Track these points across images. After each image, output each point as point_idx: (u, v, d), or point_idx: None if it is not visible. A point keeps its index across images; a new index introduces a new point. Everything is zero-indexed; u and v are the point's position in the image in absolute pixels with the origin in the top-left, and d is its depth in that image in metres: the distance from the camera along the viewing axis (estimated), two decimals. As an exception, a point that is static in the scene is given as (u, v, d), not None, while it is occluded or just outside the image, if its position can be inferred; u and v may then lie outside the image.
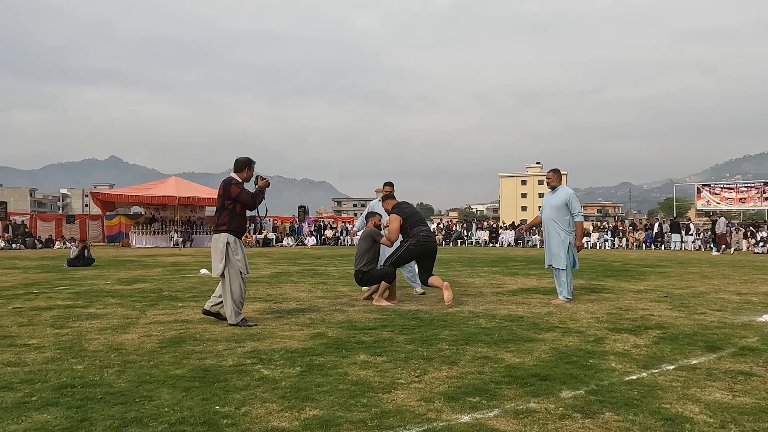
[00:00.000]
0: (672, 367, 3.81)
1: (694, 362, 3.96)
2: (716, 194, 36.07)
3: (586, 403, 3.05)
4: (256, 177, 5.67)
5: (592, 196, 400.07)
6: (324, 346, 4.39)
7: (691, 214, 54.10)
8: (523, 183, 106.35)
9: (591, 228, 32.13)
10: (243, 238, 6.28)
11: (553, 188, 7.22)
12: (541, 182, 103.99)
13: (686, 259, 17.12)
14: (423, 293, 7.71)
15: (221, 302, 5.45)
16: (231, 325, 5.25)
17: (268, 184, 5.71)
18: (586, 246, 27.99)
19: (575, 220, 7.00)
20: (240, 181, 5.54)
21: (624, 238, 28.01)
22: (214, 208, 6.51)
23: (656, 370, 3.74)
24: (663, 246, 26.67)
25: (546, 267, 7.31)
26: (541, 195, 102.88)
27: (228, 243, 5.39)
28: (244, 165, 5.60)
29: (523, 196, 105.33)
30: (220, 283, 5.44)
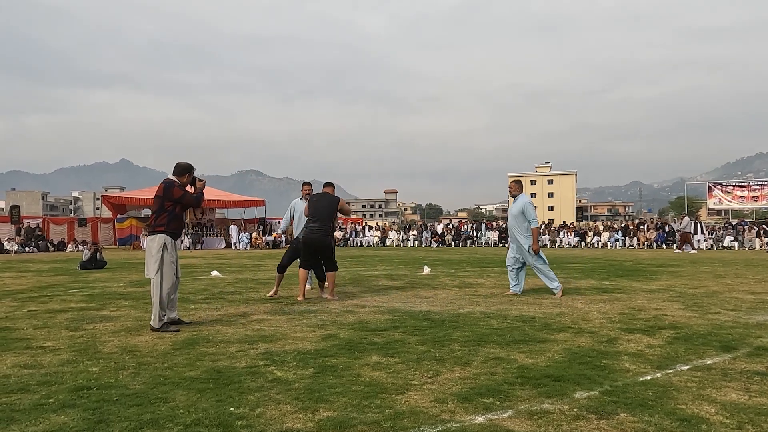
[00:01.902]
0: (686, 368, 3.79)
1: (708, 362, 3.93)
2: (728, 193, 35.77)
3: (601, 404, 3.04)
4: (194, 179, 5.68)
5: (602, 196, 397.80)
6: (336, 348, 4.40)
7: (703, 212, 53.67)
8: (533, 183, 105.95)
9: (601, 227, 31.96)
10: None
11: (514, 197, 7.87)
12: (550, 182, 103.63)
13: (698, 259, 16.98)
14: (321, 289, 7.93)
15: (171, 306, 5.38)
16: (153, 329, 5.12)
17: (204, 186, 5.76)
18: (596, 245, 27.85)
19: (531, 226, 7.63)
20: (180, 184, 5.55)
21: (635, 238, 27.83)
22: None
23: (671, 371, 3.71)
24: (675, 245, 26.47)
25: (506, 266, 8.07)
26: (550, 195, 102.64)
27: (165, 245, 5.35)
28: (185, 170, 5.63)
29: (533, 195, 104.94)
30: (154, 290, 5.28)
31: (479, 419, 2.83)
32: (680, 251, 22.26)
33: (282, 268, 7.76)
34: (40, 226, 29.19)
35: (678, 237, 23.72)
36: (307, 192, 8.54)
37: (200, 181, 5.74)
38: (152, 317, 5.24)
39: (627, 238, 28.04)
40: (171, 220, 5.45)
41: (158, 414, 2.90)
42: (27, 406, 3.04)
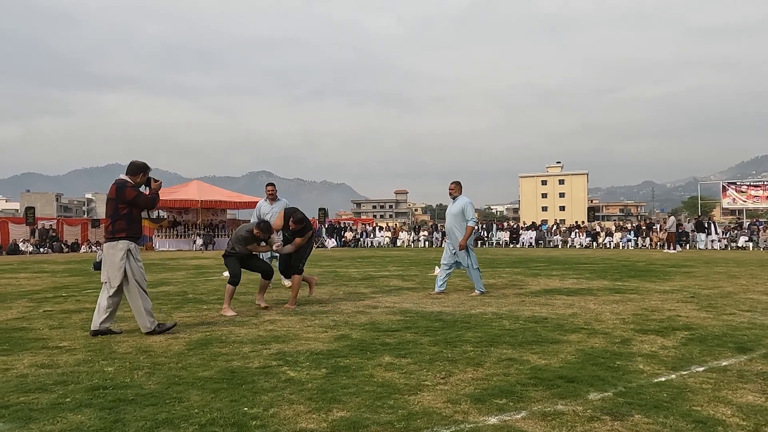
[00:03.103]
0: (701, 369, 3.76)
1: (724, 364, 3.90)
2: (742, 192, 35.37)
3: (615, 406, 3.02)
4: (149, 179, 5.40)
5: (614, 196, 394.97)
6: (348, 348, 4.41)
7: (716, 212, 53.13)
8: (544, 183, 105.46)
9: (613, 228, 31.74)
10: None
11: (454, 198, 8.08)
12: (561, 182, 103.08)
13: (712, 259, 16.82)
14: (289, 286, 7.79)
15: (108, 316, 5.08)
16: (147, 333, 4.99)
17: (161, 186, 5.51)
18: (609, 246, 27.66)
19: (468, 224, 7.88)
20: (134, 184, 5.26)
21: (647, 238, 27.60)
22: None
23: (685, 372, 3.68)
24: (688, 245, 26.24)
25: (441, 263, 8.16)
26: (561, 195, 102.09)
27: (129, 251, 5.10)
28: (139, 169, 5.31)
29: (544, 196, 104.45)
30: (104, 295, 5.07)
31: (493, 420, 2.83)
32: (666, 251, 22.52)
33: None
34: (54, 227, 29.51)
35: (667, 237, 24.06)
36: (271, 192, 8.50)
37: (155, 181, 5.45)
38: (143, 323, 5.03)
39: (639, 238, 27.82)
40: (131, 224, 5.17)
41: (173, 414, 2.93)
42: (44, 405, 3.08)
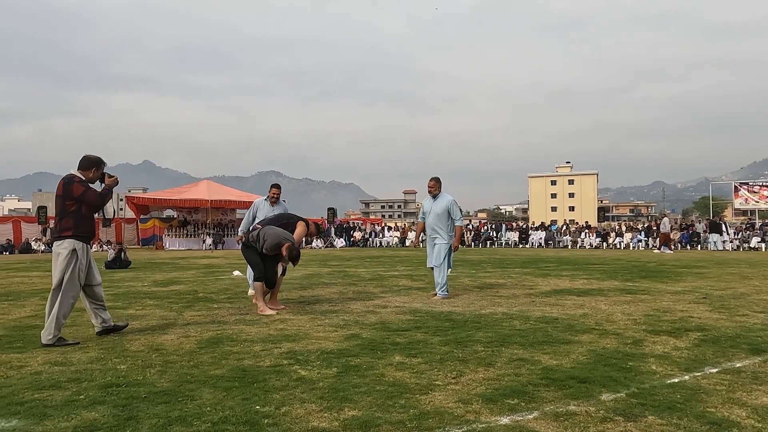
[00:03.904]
0: (715, 370, 3.73)
1: (738, 365, 3.86)
2: (755, 192, 35.03)
3: (628, 406, 3.00)
4: (103, 175, 5.06)
5: (624, 196, 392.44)
6: (359, 347, 4.41)
7: (728, 213, 52.62)
8: (553, 183, 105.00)
9: (624, 228, 31.54)
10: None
11: (434, 196, 7.83)
12: (571, 182, 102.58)
13: (724, 260, 16.67)
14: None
15: (99, 311, 4.95)
16: (44, 345, 4.55)
17: (117, 182, 5.14)
18: (619, 246, 27.49)
19: (456, 224, 7.73)
20: (84, 179, 4.91)
21: (658, 239, 27.39)
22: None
23: (699, 373, 3.65)
24: (699, 246, 26.03)
25: (428, 267, 7.94)
26: (571, 195, 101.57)
27: (74, 250, 4.77)
28: (92, 164, 4.98)
29: (553, 196, 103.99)
30: (50, 297, 4.77)
31: (504, 420, 2.82)
32: (659, 251, 22.65)
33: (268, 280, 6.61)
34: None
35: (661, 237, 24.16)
36: (275, 195, 8.07)
37: (110, 177, 5.08)
38: (45, 330, 4.62)
39: (650, 238, 27.63)
40: (79, 222, 4.82)
41: (186, 411, 2.94)
42: (59, 403, 3.11)
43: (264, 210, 8.00)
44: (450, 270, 7.89)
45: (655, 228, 29.07)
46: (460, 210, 7.86)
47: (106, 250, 18.81)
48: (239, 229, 8.36)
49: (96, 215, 5.11)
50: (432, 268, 7.76)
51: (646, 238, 27.69)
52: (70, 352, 4.36)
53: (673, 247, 23.63)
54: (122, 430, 2.70)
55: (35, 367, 3.88)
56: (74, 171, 4.94)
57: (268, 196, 8.12)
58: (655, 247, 26.36)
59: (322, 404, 3.06)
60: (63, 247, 4.77)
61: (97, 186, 5.03)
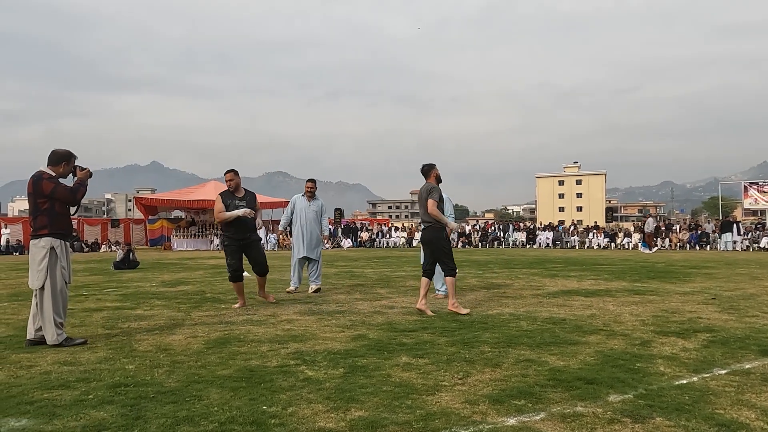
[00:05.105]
0: (724, 372, 3.70)
1: (747, 366, 3.83)
2: (765, 192, 34.77)
3: (636, 408, 2.99)
4: (75, 167, 4.87)
5: (632, 196, 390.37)
6: (366, 348, 4.42)
7: (737, 213, 52.25)
8: (561, 183, 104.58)
9: (632, 229, 31.37)
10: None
11: None
12: (579, 182, 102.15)
13: (734, 260, 16.55)
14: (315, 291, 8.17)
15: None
16: (52, 345, 4.52)
17: (90, 175, 4.92)
18: (627, 247, 27.33)
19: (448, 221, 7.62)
20: (53, 175, 4.74)
21: (667, 239, 27.24)
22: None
23: (707, 375, 3.63)
24: (708, 246, 25.85)
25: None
26: (579, 195, 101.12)
27: (52, 248, 4.64)
28: (61, 158, 4.78)
29: (561, 196, 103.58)
30: (34, 301, 4.68)
31: (511, 421, 2.81)
32: (650, 251, 23.02)
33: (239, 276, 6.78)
34: (75, 227, 29.97)
35: (645, 237, 24.61)
36: (310, 189, 8.40)
37: (82, 170, 4.87)
38: (49, 335, 4.55)
39: (659, 239, 27.46)
40: (54, 220, 4.66)
41: (193, 411, 2.96)
42: (68, 402, 3.13)
43: (301, 204, 8.32)
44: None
45: (663, 228, 28.91)
46: (452, 205, 7.73)
47: (115, 251, 18.94)
48: (279, 226, 8.88)
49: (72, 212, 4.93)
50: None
51: (654, 239, 27.51)
52: (78, 352, 4.39)
53: (654, 248, 24.06)
54: (130, 430, 2.71)
55: (45, 367, 3.91)
56: (44, 167, 4.77)
57: (304, 192, 8.42)
58: (665, 247, 26.24)
59: (328, 404, 3.07)
60: (40, 246, 4.64)
61: (70, 181, 4.85)
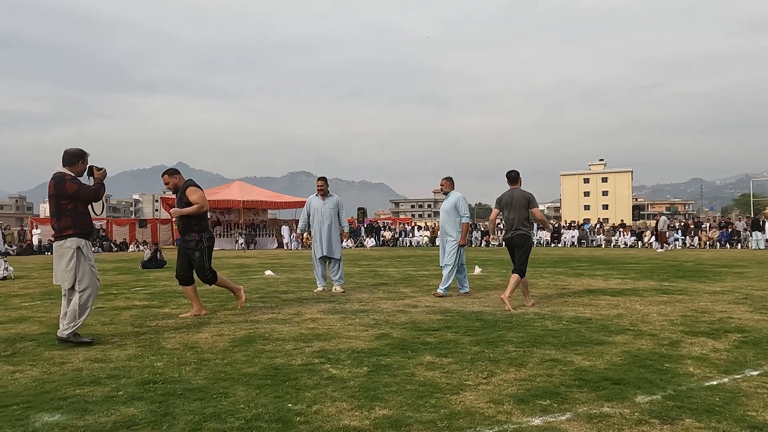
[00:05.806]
0: (756, 373, 3.62)
1: (780, 368, 3.74)
2: (798, 189, 33.79)
3: (664, 409, 2.94)
4: (90, 168, 4.89)
5: (660, 194, 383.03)
6: (389, 347, 4.43)
7: (770, 210, 50.91)
8: (586, 181, 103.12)
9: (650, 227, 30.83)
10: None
11: (446, 194, 7.99)
12: (604, 180, 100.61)
13: (765, 259, 16.13)
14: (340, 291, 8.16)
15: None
16: (60, 340, 4.59)
17: (105, 175, 4.97)
18: (653, 246, 26.87)
19: (462, 221, 7.73)
20: (74, 175, 4.78)
21: (696, 237, 26.68)
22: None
23: (739, 376, 3.55)
24: (740, 245, 25.24)
25: (440, 266, 7.95)
26: (605, 193, 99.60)
27: (79, 248, 4.69)
28: (76, 157, 4.81)
29: (586, 194, 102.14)
30: (65, 300, 4.74)
31: (536, 421, 2.79)
32: (662, 249, 22.81)
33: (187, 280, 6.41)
34: (104, 227, 30.59)
35: (658, 235, 24.33)
36: (321, 187, 8.30)
37: (99, 169, 4.90)
38: (64, 324, 4.63)
39: (687, 237, 26.91)
40: (77, 220, 4.71)
41: (220, 408, 3.00)
42: (99, 398, 3.20)
43: (316, 204, 8.31)
44: (464, 267, 7.99)
45: (692, 226, 28.33)
46: (469, 207, 7.91)
47: (143, 251, 19.28)
48: (298, 228, 8.94)
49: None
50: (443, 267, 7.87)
51: (683, 237, 26.98)
52: (108, 349, 4.49)
53: (666, 246, 23.72)
54: (159, 426, 2.77)
55: (76, 364, 4.00)
56: (61, 168, 4.77)
57: (317, 192, 8.42)
58: (694, 245, 25.72)
59: (353, 403, 3.08)
60: (66, 247, 4.68)
61: (86, 179, 4.90)
